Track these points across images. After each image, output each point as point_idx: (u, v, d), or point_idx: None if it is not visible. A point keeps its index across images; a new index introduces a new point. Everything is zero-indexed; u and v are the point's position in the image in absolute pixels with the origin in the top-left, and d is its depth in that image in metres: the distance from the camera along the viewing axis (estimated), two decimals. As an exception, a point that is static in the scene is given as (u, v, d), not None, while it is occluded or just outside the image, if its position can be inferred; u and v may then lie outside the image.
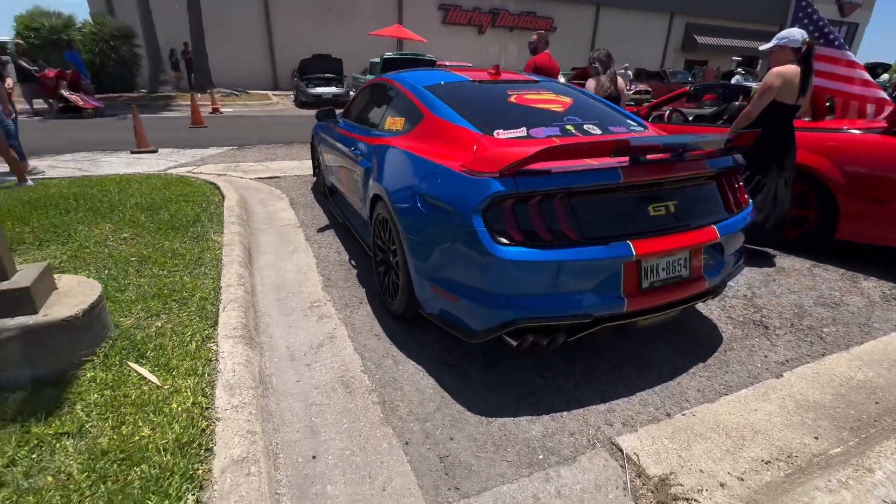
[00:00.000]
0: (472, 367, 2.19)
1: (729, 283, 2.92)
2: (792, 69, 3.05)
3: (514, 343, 1.89)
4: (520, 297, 1.79)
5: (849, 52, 4.07)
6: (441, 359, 2.25)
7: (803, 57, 3.02)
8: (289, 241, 3.67)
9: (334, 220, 4.20)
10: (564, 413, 1.93)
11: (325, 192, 4.72)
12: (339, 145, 3.55)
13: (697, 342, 2.43)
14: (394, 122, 2.79)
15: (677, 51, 25.54)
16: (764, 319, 2.65)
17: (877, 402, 1.98)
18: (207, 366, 1.95)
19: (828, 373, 2.17)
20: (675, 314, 2.13)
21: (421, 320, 2.54)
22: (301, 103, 14.77)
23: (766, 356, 2.32)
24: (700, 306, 2.81)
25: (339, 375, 2.11)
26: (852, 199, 3.29)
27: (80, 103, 10.41)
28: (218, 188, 4.72)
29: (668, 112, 4.91)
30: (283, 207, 4.51)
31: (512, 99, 2.55)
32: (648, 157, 1.90)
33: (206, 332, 2.20)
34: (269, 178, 5.63)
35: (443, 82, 2.74)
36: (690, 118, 4.79)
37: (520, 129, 2.19)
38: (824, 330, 2.55)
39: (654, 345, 2.39)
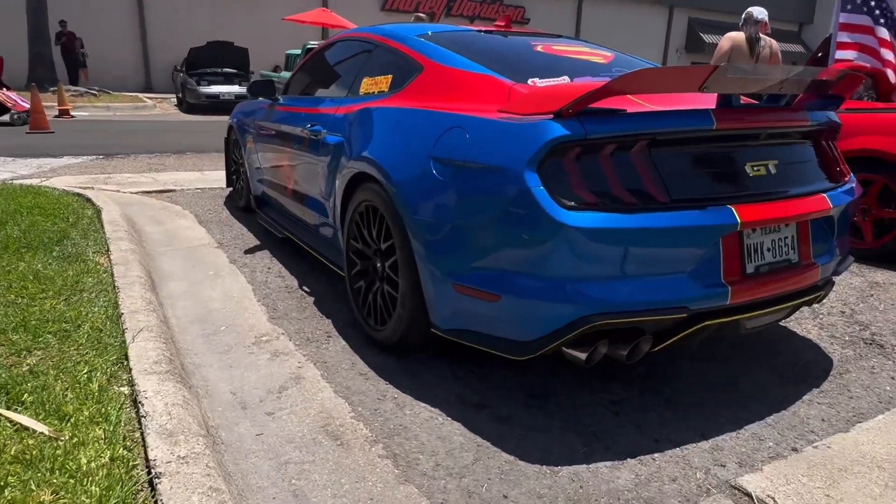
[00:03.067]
0: (511, 406, 2.14)
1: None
2: (739, 34, 4.67)
3: (583, 356, 1.86)
4: (593, 282, 1.79)
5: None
6: (463, 397, 2.19)
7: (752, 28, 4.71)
8: (205, 264, 3.56)
9: (270, 237, 4.14)
10: (656, 455, 1.89)
11: (248, 205, 4.65)
12: (284, 126, 3.54)
13: (803, 365, 2.51)
14: (375, 83, 2.83)
15: (681, 52, 28.10)
16: (876, 338, 2.79)
17: None
18: (122, 410, 1.79)
19: (976, 392, 2.28)
20: (783, 316, 2.21)
21: (422, 352, 2.48)
22: (189, 107, 14.72)
23: (893, 378, 2.42)
24: (793, 324, 2.92)
25: (322, 425, 1.99)
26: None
27: (10, 104, 10.07)
28: (89, 200, 4.53)
29: None
30: (188, 225, 4.40)
31: (539, 48, 2.67)
32: (742, 100, 2.02)
33: (111, 369, 2.05)
34: (160, 191, 5.53)
35: (431, 32, 2.84)
36: None
37: (561, 78, 2.28)
38: (953, 347, 2.71)
39: (748, 370, 2.44)
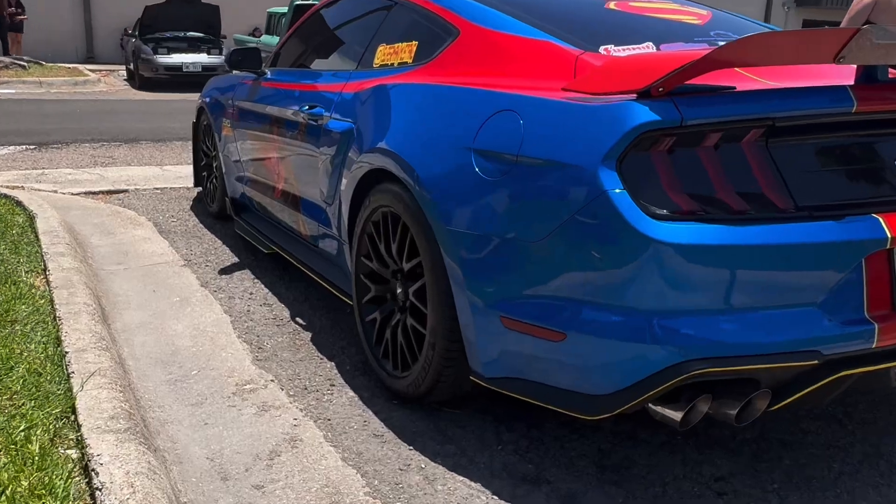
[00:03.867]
0: (577, 480, 2.12)
1: None
2: None
3: (678, 416, 1.84)
4: (692, 317, 1.77)
5: None
6: (512, 468, 2.19)
7: None
8: (169, 287, 3.63)
9: (252, 253, 4.21)
10: (778, 552, 1.86)
11: (222, 211, 4.73)
12: (273, 108, 3.59)
13: (973, 430, 2.45)
14: (394, 52, 2.87)
15: (790, 7, 28.01)
16: None
17: None
18: (71, 480, 1.83)
19: None
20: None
21: (458, 407, 2.49)
22: (144, 82, 15.07)
23: None
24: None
25: (328, 503, 1.99)
26: None
27: None
28: (19, 204, 4.65)
29: None
30: (146, 236, 4.49)
31: (611, 5, 2.69)
32: (890, 73, 2.00)
33: (55, 425, 2.09)
34: (108, 192, 5.69)
35: None
36: None
37: (643, 45, 2.28)
38: None
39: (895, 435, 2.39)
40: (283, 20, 14.22)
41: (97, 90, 14.87)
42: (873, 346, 1.87)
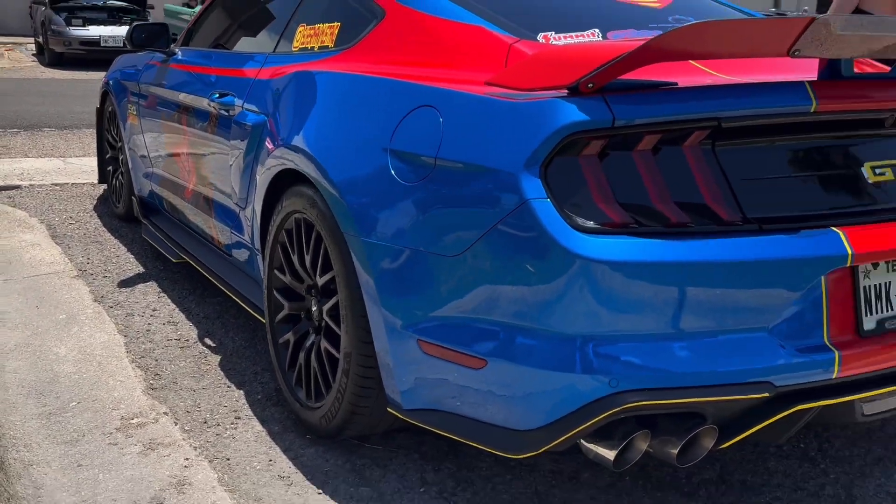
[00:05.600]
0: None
1: None
2: None
3: (611, 455, 1.86)
4: (626, 343, 1.81)
5: None
6: (437, 516, 2.20)
7: None
8: (55, 303, 3.62)
9: (161, 262, 4.20)
10: None
11: (129, 211, 4.71)
12: (182, 95, 3.62)
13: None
14: (315, 35, 2.91)
15: (806, -16, 28.43)
16: None
17: None
18: None
19: None
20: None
21: (378, 443, 2.50)
22: (55, 58, 14.96)
23: None
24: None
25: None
26: None
27: None
28: None
29: None
30: (35, 241, 4.47)
31: (562, -15, 2.74)
32: (857, 68, 2.06)
33: None
34: (-6, 188, 5.61)
35: None
36: None
37: (588, 31, 2.33)
38: None
39: (875, 478, 2.44)
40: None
41: (-2, 67, 14.73)
42: (834, 376, 1.90)
